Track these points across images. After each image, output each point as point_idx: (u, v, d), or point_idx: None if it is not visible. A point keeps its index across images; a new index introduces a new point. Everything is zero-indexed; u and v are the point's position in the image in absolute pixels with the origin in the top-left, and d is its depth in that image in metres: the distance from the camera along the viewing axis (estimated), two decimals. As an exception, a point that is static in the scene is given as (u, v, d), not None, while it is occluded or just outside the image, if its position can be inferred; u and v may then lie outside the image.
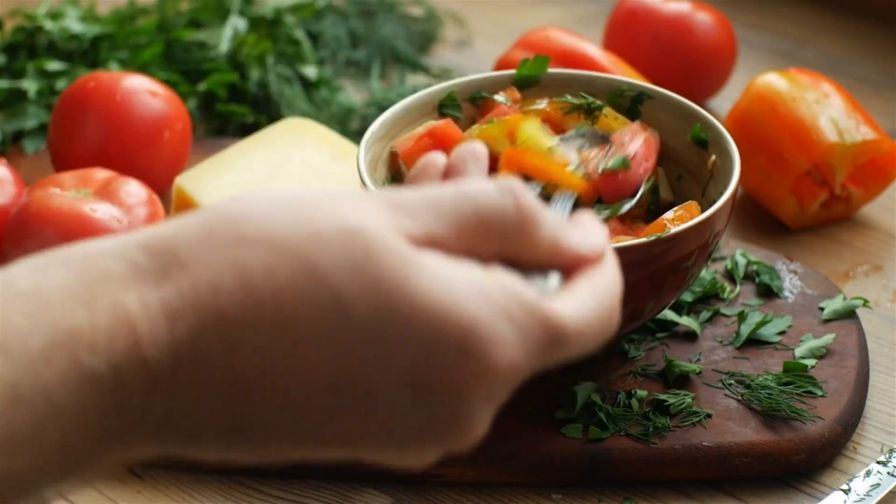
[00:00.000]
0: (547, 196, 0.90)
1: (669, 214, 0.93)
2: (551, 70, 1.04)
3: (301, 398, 0.60)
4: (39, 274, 0.59)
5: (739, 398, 0.94)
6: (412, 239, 0.62)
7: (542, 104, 1.01)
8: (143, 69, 1.26)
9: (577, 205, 0.91)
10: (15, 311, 0.58)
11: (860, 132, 1.12)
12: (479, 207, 0.63)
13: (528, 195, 0.64)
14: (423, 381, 0.60)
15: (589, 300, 0.64)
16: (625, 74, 1.18)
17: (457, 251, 0.63)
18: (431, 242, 0.62)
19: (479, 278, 0.61)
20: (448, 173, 0.71)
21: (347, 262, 0.60)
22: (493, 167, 1.00)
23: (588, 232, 0.67)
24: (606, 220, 0.94)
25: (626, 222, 0.96)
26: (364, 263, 0.60)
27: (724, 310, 1.01)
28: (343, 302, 0.59)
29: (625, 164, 0.95)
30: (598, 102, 1.00)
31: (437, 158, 0.72)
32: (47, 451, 0.57)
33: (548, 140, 0.96)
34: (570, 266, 0.66)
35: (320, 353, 0.59)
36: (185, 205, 1.08)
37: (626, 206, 0.94)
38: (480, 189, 0.64)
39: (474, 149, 0.71)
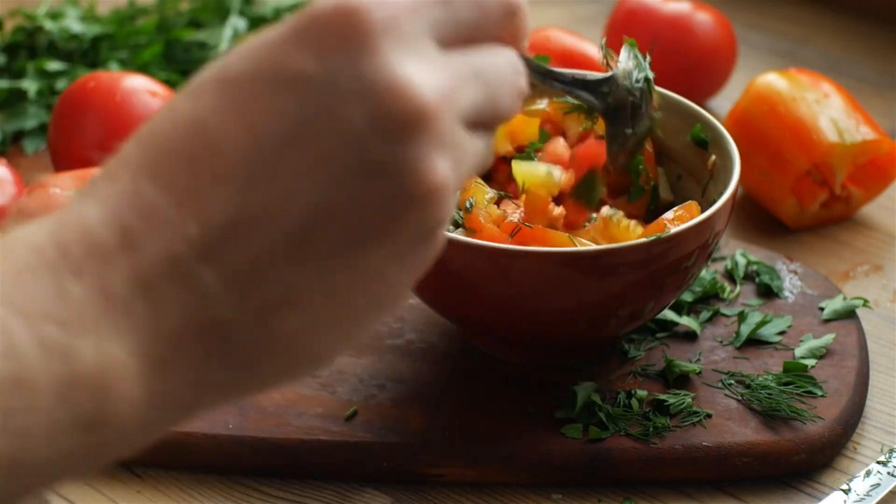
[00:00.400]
0: None
1: (669, 214, 0.93)
2: (551, 70, 1.03)
3: (240, 167, 0.56)
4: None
5: (739, 398, 0.94)
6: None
7: (543, 104, 1.01)
8: (143, 69, 1.26)
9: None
10: None
11: (860, 132, 1.12)
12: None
13: None
14: (326, 60, 0.57)
15: None
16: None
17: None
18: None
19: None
20: None
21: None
22: (494, 168, 1.00)
23: None
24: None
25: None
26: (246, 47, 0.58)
27: (724, 310, 1.01)
28: (220, 74, 0.58)
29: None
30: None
31: None
32: (29, 355, 0.53)
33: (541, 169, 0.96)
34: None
35: (225, 119, 0.57)
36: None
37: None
38: None
39: None
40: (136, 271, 0.55)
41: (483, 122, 0.61)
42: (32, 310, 0.53)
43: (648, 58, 0.91)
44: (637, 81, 0.91)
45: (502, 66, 0.62)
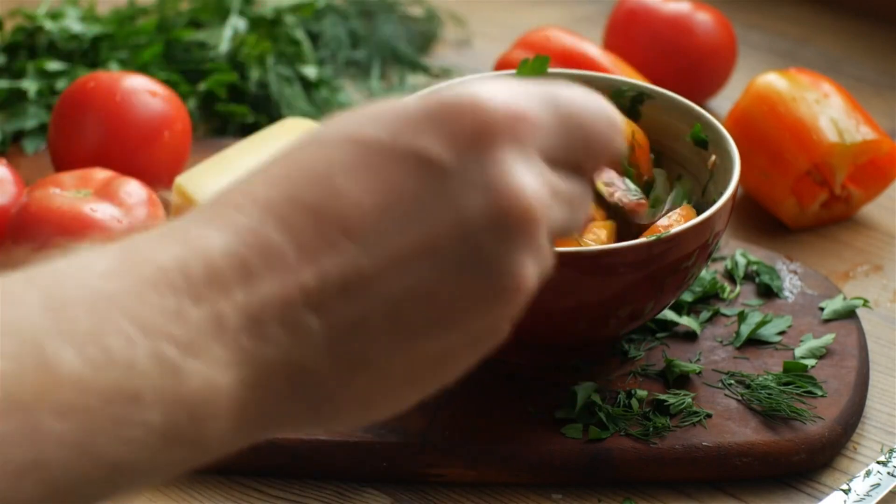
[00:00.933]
0: None
1: (664, 221, 0.93)
2: (551, 70, 1.03)
3: (363, 225, 0.60)
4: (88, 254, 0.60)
5: (739, 398, 0.94)
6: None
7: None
8: (143, 69, 1.26)
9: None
10: (70, 263, 0.58)
11: (860, 132, 1.12)
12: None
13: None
14: (449, 150, 0.61)
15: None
16: (625, 74, 1.18)
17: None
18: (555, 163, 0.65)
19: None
20: None
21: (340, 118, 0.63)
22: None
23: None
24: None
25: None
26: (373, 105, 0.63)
27: (724, 310, 1.01)
28: (350, 134, 0.62)
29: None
30: None
31: None
32: (144, 370, 0.56)
33: None
34: None
35: (356, 178, 0.61)
36: (185, 205, 1.08)
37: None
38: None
39: None
40: (249, 306, 0.58)
41: (557, 237, 0.66)
42: (153, 326, 0.56)
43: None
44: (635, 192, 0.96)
45: (582, 192, 0.67)
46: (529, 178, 0.62)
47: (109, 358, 0.55)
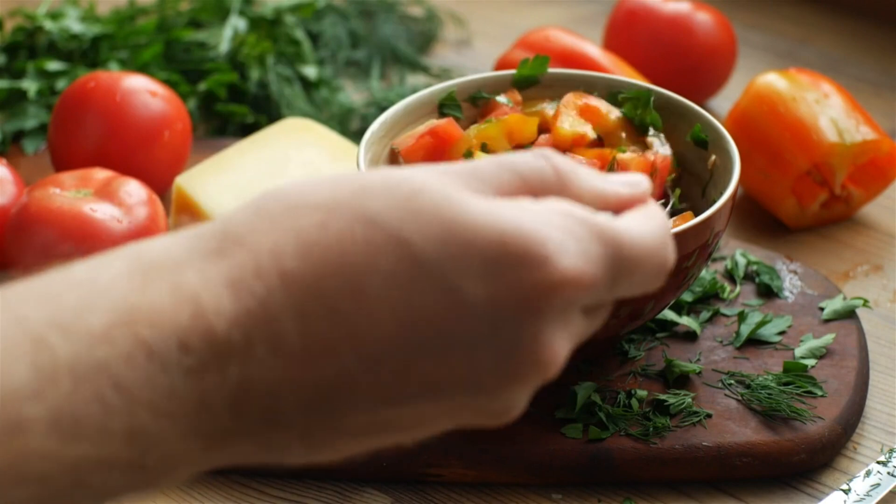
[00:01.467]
0: None
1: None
2: (551, 70, 1.04)
3: (379, 349, 0.59)
4: (94, 265, 0.58)
5: (739, 398, 0.94)
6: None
7: (545, 107, 1.01)
8: (143, 69, 1.26)
9: None
10: (73, 294, 0.56)
11: (860, 132, 1.12)
12: (517, 170, 0.64)
13: (563, 158, 0.66)
14: (494, 301, 0.59)
15: (644, 221, 0.65)
16: (625, 74, 1.18)
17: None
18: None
19: (531, 205, 0.62)
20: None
21: (399, 203, 0.60)
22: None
23: (629, 177, 0.69)
24: None
25: None
26: (416, 201, 0.60)
27: (724, 310, 1.02)
28: (400, 239, 0.59)
29: None
30: None
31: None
32: (115, 439, 0.56)
33: None
34: (617, 209, 0.67)
35: (387, 294, 0.59)
36: (185, 205, 1.08)
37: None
38: (517, 156, 0.65)
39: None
40: (238, 388, 0.58)
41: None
42: (137, 396, 0.56)
43: None
44: None
45: (604, 314, 0.68)
46: (560, 345, 0.63)
47: (80, 430, 0.55)
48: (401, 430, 0.62)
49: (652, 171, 0.95)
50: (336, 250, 0.59)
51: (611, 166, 0.95)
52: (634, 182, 0.69)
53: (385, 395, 0.60)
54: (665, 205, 0.97)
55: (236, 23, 1.32)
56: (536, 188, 0.64)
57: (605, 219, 0.64)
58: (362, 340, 0.59)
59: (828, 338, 0.98)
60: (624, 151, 0.96)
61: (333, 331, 0.58)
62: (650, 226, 0.66)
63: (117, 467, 0.56)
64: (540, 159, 0.65)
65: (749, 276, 1.05)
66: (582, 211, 0.63)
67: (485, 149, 0.98)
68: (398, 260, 0.59)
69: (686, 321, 1.00)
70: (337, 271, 0.58)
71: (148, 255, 0.59)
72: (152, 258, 0.59)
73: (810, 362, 0.96)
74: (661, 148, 0.97)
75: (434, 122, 0.99)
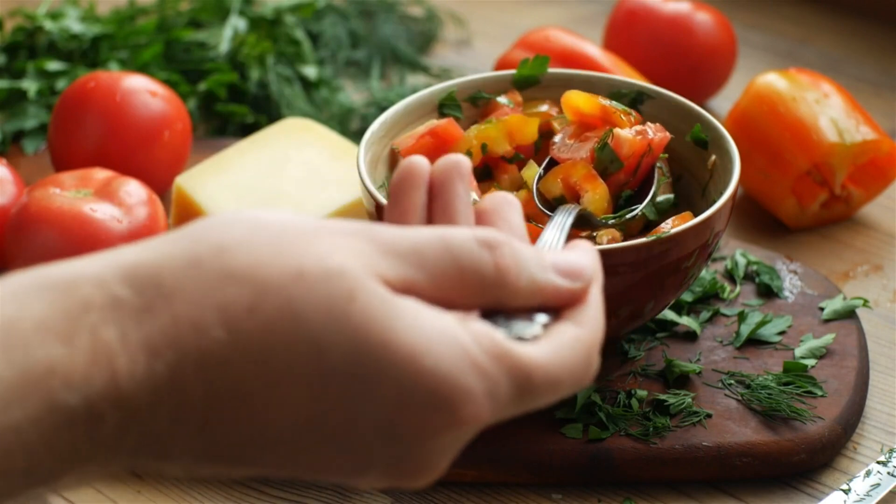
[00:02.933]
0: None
1: (665, 224, 0.94)
2: (551, 70, 1.04)
3: (275, 433, 0.61)
4: (16, 303, 0.59)
5: (739, 398, 0.94)
6: (392, 284, 0.63)
7: (545, 108, 1.02)
8: (143, 69, 1.26)
9: (582, 217, 0.92)
10: None
11: (860, 132, 1.12)
12: (459, 263, 0.64)
13: (507, 248, 0.66)
14: (394, 426, 0.62)
15: (564, 350, 0.66)
16: (625, 74, 1.18)
17: (435, 300, 0.64)
18: (410, 290, 0.64)
19: (454, 330, 0.63)
20: (434, 192, 0.71)
21: (328, 307, 0.61)
22: (494, 167, 1.00)
23: (573, 267, 0.68)
24: (616, 226, 0.94)
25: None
26: (344, 309, 0.61)
27: (724, 310, 1.01)
28: (322, 347, 0.60)
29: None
30: None
31: (421, 167, 0.72)
32: (13, 475, 0.58)
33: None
34: (556, 305, 0.67)
35: (297, 392, 0.61)
36: (185, 205, 1.08)
37: (634, 213, 0.94)
38: (462, 243, 0.65)
39: (508, 200, 0.72)
40: (137, 441, 0.60)
41: None
42: (40, 450, 0.58)
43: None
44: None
45: None
46: (446, 462, 0.65)
47: None
48: (287, 475, 0.65)
49: (646, 150, 0.95)
50: (257, 340, 0.60)
51: (604, 140, 0.95)
52: (576, 273, 0.68)
53: (272, 465, 0.63)
54: (649, 188, 0.96)
55: (236, 23, 1.32)
56: (472, 285, 0.65)
57: (522, 354, 0.64)
58: (262, 427, 0.61)
59: (828, 338, 0.98)
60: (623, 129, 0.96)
61: (237, 412, 0.61)
62: (571, 350, 0.66)
63: (13, 483, 0.58)
64: (484, 252, 0.65)
65: (749, 276, 1.05)
66: (502, 346, 0.63)
67: (485, 149, 0.99)
68: (313, 368, 0.61)
69: (686, 321, 1.00)
70: (253, 361, 0.60)
71: (73, 298, 0.59)
72: (76, 304, 0.59)
73: (810, 362, 0.96)
74: (659, 132, 0.97)
75: (434, 122, 0.99)
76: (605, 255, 0.87)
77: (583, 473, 0.91)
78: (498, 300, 0.66)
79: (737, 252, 1.06)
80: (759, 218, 1.15)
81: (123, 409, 0.59)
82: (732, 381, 0.95)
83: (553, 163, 0.97)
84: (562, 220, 0.82)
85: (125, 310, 0.60)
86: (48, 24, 1.30)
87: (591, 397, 0.93)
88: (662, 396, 0.93)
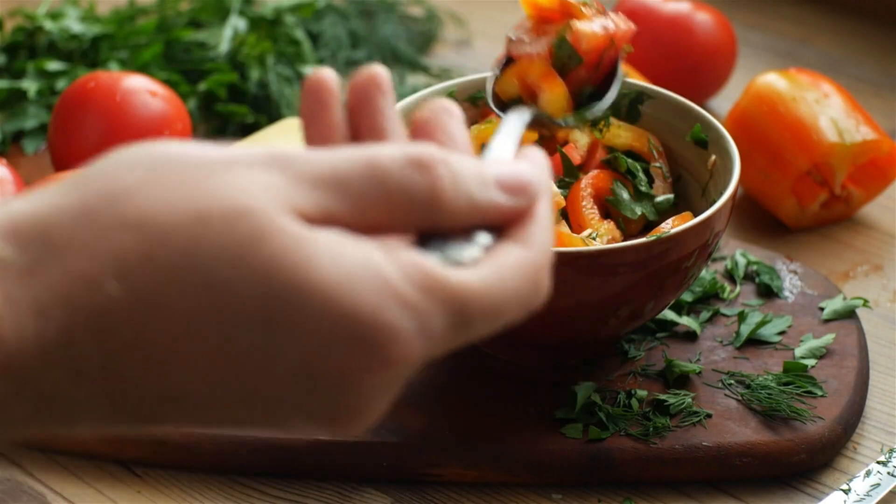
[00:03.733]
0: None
1: (665, 224, 0.94)
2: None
3: (184, 388, 0.57)
4: None
5: (739, 398, 0.94)
6: (309, 217, 0.57)
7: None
8: (143, 69, 1.26)
9: (538, 119, 0.87)
10: None
11: (860, 132, 1.12)
12: (385, 186, 0.59)
13: (442, 167, 0.60)
14: (314, 373, 0.57)
15: (506, 273, 0.60)
16: (625, 74, 1.18)
17: (360, 228, 0.58)
18: (330, 220, 0.58)
19: (377, 262, 0.57)
20: (353, 111, 0.65)
21: (233, 251, 0.56)
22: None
23: (516, 180, 0.62)
24: (575, 126, 0.90)
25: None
26: (252, 252, 0.56)
27: (724, 310, 1.01)
28: (227, 294, 0.56)
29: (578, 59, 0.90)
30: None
31: (326, 82, 0.64)
32: None
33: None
34: (498, 224, 0.61)
35: (203, 345, 0.56)
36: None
37: (594, 111, 0.90)
38: (390, 164, 0.59)
39: (448, 108, 0.65)
40: (35, 403, 0.56)
41: None
42: None
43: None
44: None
45: None
46: (377, 410, 0.59)
47: None
48: (202, 428, 0.60)
49: (609, 44, 0.90)
50: (155, 291, 0.56)
51: (561, 35, 0.90)
52: (520, 188, 0.62)
53: (185, 419, 0.58)
54: (613, 80, 0.91)
55: (236, 23, 1.32)
56: (402, 210, 0.59)
57: (455, 281, 0.58)
58: (170, 383, 0.57)
59: (828, 338, 0.98)
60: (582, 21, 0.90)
61: (141, 369, 0.56)
62: (514, 272, 0.60)
63: None
64: (415, 173, 0.59)
65: (749, 276, 1.05)
66: (433, 275, 0.58)
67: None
68: (218, 318, 0.56)
69: (686, 321, 1.00)
70: (154, 312, 0.56)
71: None
72: None
73: (810, 362, 0.96)
74: (623, 23, 0.91)
75: (434, 122, 0.99)
76: (604, 255, 0.87)
77: (583, 473, 0.91)
78: (433, 224, 0.60)
79: (737, 252, 1.06)
80: (759, 218, 1.15)
81: (13, 378, 0.55)
82: (732, 381, 0.95)
83: (511, 61, 0.93)
84: (512, 126, 0.73)
85: (8, 270, 0.55)
86: (48, 24, 1.30)
87: (591, 397, 0.93)
88: (662, 396, 0.93)
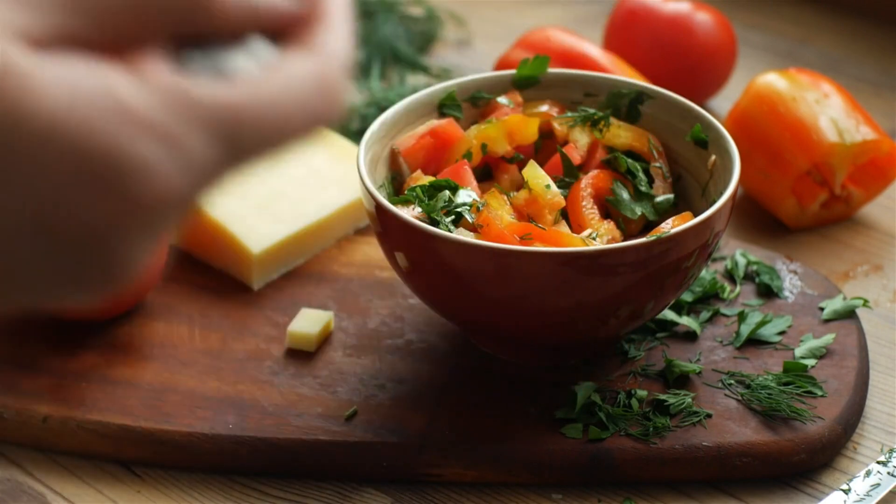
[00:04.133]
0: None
1: (665, 224, 0.94)
2: (551, 70, 1.04)
3: None
4: None
5: (739, 398, 0.94)
6: (39, 41, 0.49)
7: (546, 108, 1.02)
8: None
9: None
10: None
11: (860, 132, 1.12)
12: None
13: None
14: (50, 225, 0.48)
15: (290, 81, 0.52)
16: (625, 74, 1.18)
17: (105, 46, 0.50)
18: (66, 40, 0.49)
19: (115, 84, 0.49)
20: None
21: None
22: (492, 167, 1.00)
23: None
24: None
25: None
26: None
27: (724, 310, 1.02)
28: None
29: None
30: (602, 114, 1.00)
31: None
32: None
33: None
34: (280, 29, 0.53)
35: None
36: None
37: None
38: None
39: None
40: None
41: None
42: None
43: None
44: None
45: None
46: (140, 258, 0.50)
47: None
48: None
49: None
50: None
51: None
52: None
53: None
54: None
55: (236, 23, 1.32)
56: (154, 11, 0.50)
57: (219, 98, 0.50)
58: None
59: (828, 338, 0.98)
60: None
61: None
62: (298, 81, 0.52)
63: None
64: None
65: (749, 276, 1.05)
66: (186, 91, 0.50)
67: (485, 150, 0.99)
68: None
69: (686, 321, 1.00)
70: None
71: None
72: None
73: (810, 362, 0.96)
74: None
75: (434, 123, 0.99)
76: (605, 255, 0.87)
77: (583, 473, 0.91)
78: (196, 27, 0.51)
79: (737, 252, 1.06)
80: (759, 218, 1.15)
81: None
82: (732, 381, 0.95)
83: None
84: None
85: None
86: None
87: (591, 397, 0.93)
88: (662, 396, 0.93)
